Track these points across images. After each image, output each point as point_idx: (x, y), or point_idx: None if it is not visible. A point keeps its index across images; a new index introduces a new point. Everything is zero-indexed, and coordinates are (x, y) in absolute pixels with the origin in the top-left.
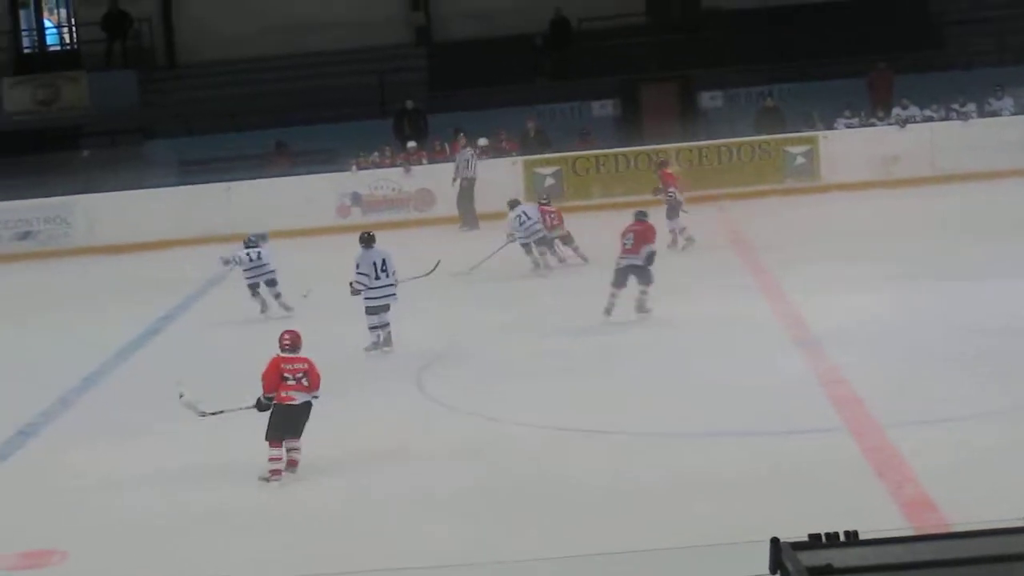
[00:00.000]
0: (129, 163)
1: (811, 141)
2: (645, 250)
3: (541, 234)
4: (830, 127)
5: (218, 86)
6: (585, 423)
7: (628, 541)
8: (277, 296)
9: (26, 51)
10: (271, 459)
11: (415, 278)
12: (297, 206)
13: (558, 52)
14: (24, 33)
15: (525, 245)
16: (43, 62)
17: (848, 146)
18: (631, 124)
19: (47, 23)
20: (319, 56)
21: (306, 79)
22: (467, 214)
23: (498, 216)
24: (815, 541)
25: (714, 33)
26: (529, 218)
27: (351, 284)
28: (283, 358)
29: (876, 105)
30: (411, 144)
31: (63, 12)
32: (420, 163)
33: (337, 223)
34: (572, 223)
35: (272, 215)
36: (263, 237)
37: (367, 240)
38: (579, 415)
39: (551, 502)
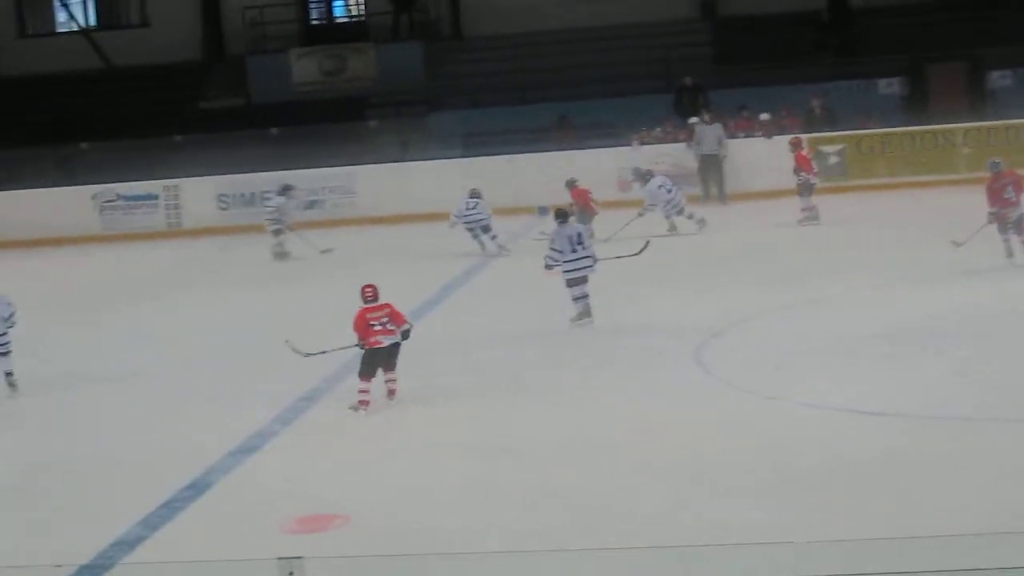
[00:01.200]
0: (414, 134)
1: None
2: None
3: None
4: None
5: (503, 59)
6: (869, 405)
7: (913, 525)
8: (493, 238)
9: (314, 22)
10: (361, 391)
11: (621, 257)
12: (579, 180)
13: (845, 29)
14: (312, 5)
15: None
16: (330, 33)
17: None
18: (917, 103)
19: None
20: (603, 30)
21: (590, 53)
22: (709, 189)
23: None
24: None
25: (1005, 10)
26: (669, 190)
27: (545, 259)
28: (367, 308)
29: None
30: (693, 120)
31: None
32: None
33: (618, 197)
34: (854, 202)
35: (553, 189)
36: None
37: (563, 216)
38: (863, 397)
39: (833, 483)
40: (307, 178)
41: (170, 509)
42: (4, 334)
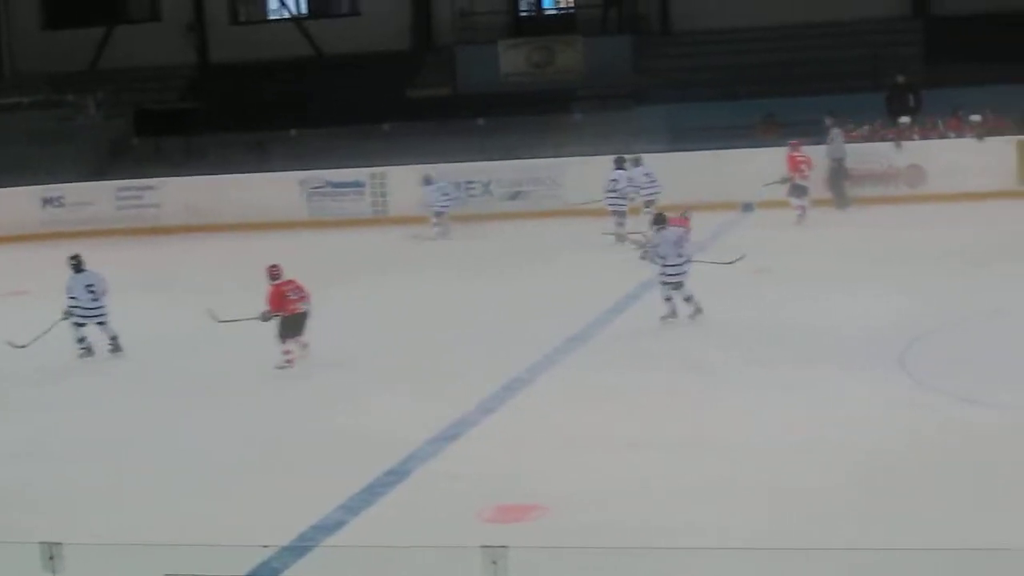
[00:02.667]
0: (620, 127)
1: None
2: None
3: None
4: None
5: (711, 54)
6: None
7: None
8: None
9: (523, 14)
10: (285, 352)
11: (716, 263)
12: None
13: None
14: None
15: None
16: (539, 25)
17: None
18: None
19: None
20: (813, 27)
21: (799, 50)
22: (837, 194)
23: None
24: None
25: None
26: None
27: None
28: (279, 284)
29: None
30: (903, 119)
31: None
32: (912, 139)
33: (823, 196)
34: None
35: (756, 186)
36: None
37: (662, 221)
38: None
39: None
40: (512, 169)
41: (371, 494)
42: (102, 305)
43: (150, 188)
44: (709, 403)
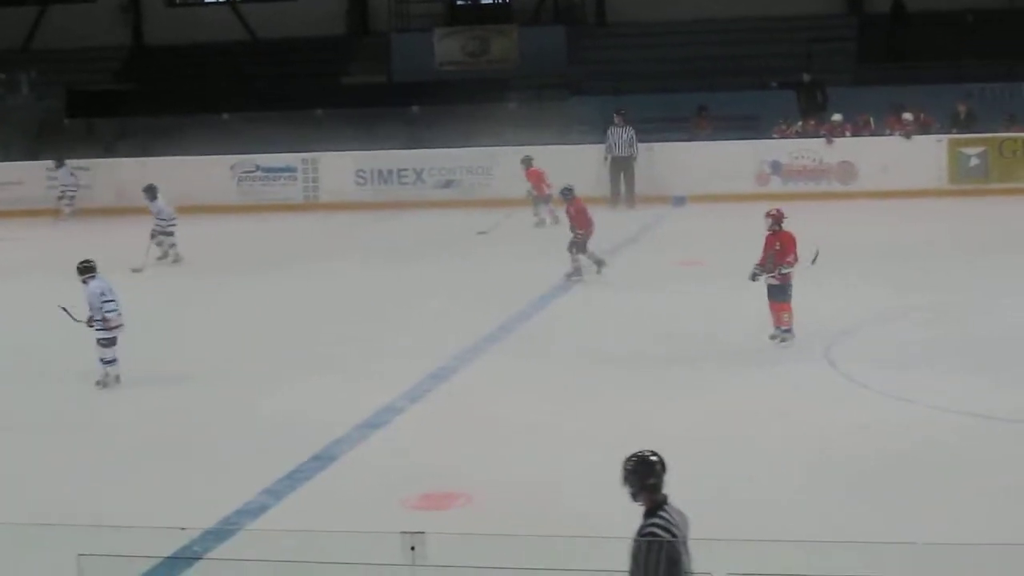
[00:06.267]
0: (553, 118)
1: None
2: None
3: None
4: None
5: (645, 47)
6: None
7: None
8: None
9: (459, 3)
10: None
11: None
12: (716, 171)
13: (989, 29)
14: None
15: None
16: (475, 14)
17: None
18: None
19: None
20: (747, 21)
21: (732, 44)
22: (617, 191)
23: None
24: None
25: None
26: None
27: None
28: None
29: None
30: (836, 117)
31: None
32: (843, 135)
33: (755, 191)
34: (996, 205)
35: (691, 178)
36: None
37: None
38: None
39: (958, 488)
40: (445, 157)
41: (295, 479)
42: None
43: (81, 169)
44: (638, 394)
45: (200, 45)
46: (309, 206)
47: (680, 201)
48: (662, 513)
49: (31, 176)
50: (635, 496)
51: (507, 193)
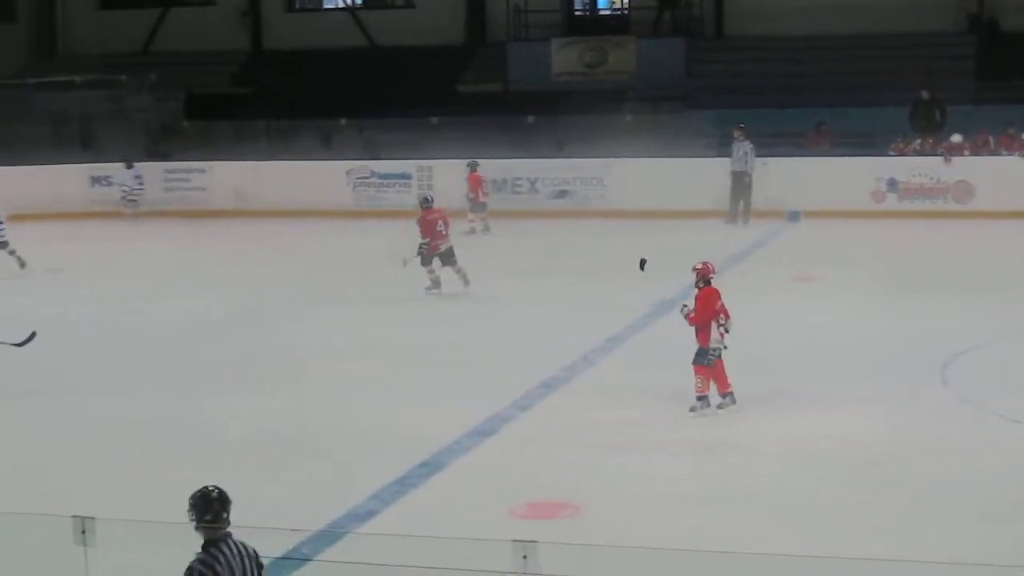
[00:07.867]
0: (669, 130)
1: None
2: None
3: None
4: None
5: (764, 60)
6: None
7: None
8: None
9: (577, 13)
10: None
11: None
12: (832, 187)
13: None
14: None
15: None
16: (593, 25)
17: None
18: None
19: None
20: (867, 38)
21: (852, 60)
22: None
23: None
24: None
25: None
26: None
27: None
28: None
29: None
30: (956, 137)
31: None
32: (962, 154)
33: (871, 207)
34: None
35: (806, 194)
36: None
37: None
38: None
39: None
40: (559, 167)
41: (403, 485)
42: None
43: (198, 171)
44: (750, 408)
45: (318, 51)
46: None
47: (795, 216)
48: (213, 550)
49: (149, 177)
50: (196, 528)
51: (621, 204)
